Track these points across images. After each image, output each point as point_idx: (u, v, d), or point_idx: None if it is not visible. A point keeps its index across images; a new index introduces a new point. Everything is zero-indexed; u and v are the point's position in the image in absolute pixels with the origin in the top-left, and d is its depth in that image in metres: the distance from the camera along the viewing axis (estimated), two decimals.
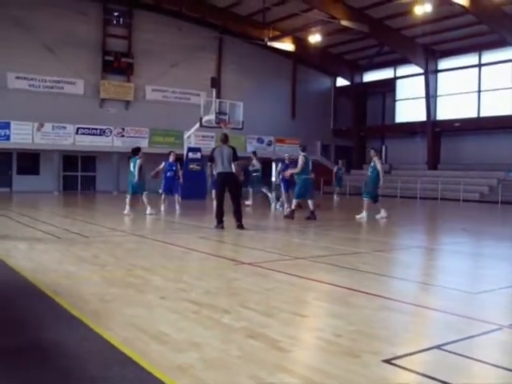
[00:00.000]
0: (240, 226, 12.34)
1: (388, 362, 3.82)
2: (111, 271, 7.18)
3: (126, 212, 15.86)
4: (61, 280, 6.50)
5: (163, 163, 17.77)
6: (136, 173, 15.74)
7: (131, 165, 16.07)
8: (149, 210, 15.87)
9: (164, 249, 9.50)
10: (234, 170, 12.34)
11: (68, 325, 4.70)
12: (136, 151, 16.11)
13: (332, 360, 3.90)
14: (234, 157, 12.30)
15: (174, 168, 17.70)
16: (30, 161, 31.38)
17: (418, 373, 3.70)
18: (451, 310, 5.38)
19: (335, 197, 28.22)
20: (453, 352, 4.06)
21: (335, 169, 29.48)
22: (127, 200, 15.95)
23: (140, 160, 15.82)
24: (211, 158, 12.54)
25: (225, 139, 12.69)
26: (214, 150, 12.75)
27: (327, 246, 10.36)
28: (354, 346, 4.20)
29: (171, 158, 17.81)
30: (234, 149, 12.46)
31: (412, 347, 4.26)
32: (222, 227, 12.35)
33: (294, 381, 3.50)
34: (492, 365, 3.89)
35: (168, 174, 17.63)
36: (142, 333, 4.43)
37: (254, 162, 21.11)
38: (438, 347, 4.17)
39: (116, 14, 33.93)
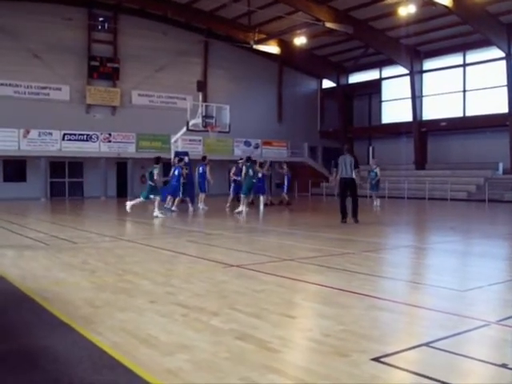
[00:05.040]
0: (356, 221, 14.45)
1: (377, 360, 3.85)
2: (101, 277, 7.16)
3: None
4: (50, 286, 6.48)
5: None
6: None
7: None
8: None
9: (153, 253, 9.49)
10: (354, 175, 14.42)
11: (58, 331, 4.69)
12: None
13: (322, 360, 3.91)
14: (356, 165, 14.43)
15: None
16: (16, 168, 31.16)
17: (406, 370, 3.73)
18: (440, 308, 5.42)
19: (375, 202, 23.45)
20: (441, 349, 4.09)
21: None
22: None
23: None
24: (336, 164, 15.00)
25: (350, 149, 15.18)
26: (339, 157, 14.83)
27: (315, 247, 10.39)
28: (343, 345, 4.22)
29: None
30: (355, 158, 14.69)
31: (401, 345, 4.28)
32: (345, 222, 14.42)
33: (285, 381, 3.51)
34: (479, 360, 3.93)
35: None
36: (132, 337, 4.43)
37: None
38: (427, 344, 4.20)
39: (101, 19, 33.86)
